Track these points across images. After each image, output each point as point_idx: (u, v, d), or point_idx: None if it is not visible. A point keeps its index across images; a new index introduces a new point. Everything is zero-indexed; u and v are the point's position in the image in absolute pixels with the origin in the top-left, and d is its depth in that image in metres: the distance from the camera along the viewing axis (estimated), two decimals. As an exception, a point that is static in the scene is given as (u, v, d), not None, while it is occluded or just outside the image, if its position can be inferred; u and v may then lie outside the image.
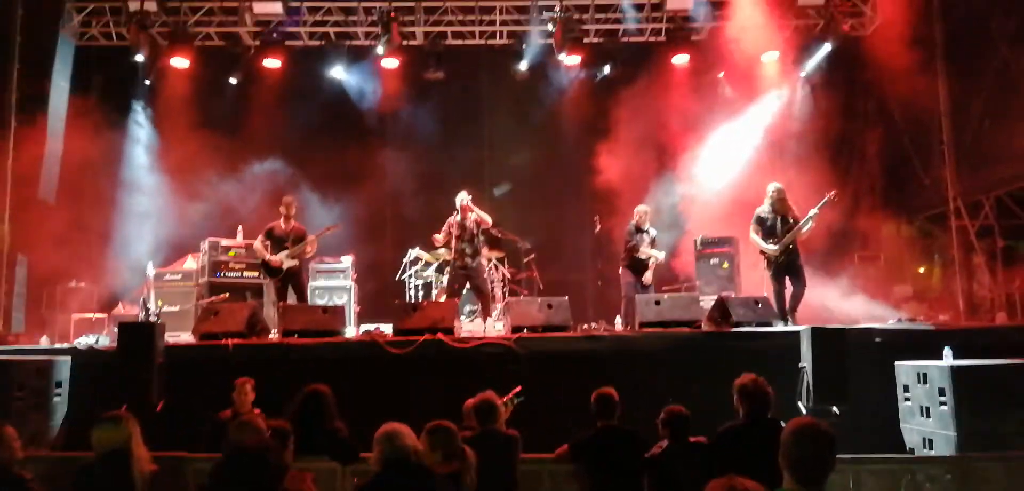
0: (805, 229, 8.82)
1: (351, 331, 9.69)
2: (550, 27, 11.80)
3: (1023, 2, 9.98)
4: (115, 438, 3.98)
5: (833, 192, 9.13)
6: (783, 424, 3.69)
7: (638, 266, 9.89)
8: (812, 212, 8.85)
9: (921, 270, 12.77)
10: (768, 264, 9.02)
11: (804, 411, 6.59)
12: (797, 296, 8.90)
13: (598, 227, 10.79)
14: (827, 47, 12.10)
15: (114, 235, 12.01)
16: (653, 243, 9.94)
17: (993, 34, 10.58)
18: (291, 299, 9.55)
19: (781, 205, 8.99)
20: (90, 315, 10.64)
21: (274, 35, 12.24)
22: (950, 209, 11.60)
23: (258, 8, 12.39)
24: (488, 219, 9.73)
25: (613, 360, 7.50)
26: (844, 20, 11.68)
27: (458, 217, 9.63)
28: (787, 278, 8.95)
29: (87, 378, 7.15)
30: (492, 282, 11.43)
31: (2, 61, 11.23)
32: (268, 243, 9.42)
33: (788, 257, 8.92)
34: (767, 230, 9.02)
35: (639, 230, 9.92)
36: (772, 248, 8.92)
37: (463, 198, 9.61)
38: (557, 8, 11.70)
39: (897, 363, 6.76)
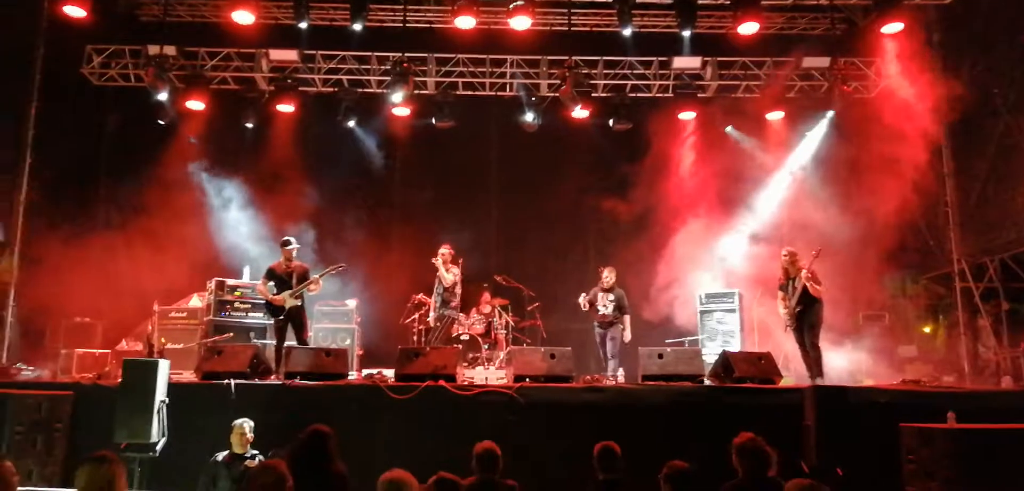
0: (800, 288, 8.92)
1: (353, 375, 9.69)
2: (559, 81, 11.96)
3: (1022, 73, 10.12)
4: (97, 479, 3.91)
5: (818, 250, 9.23)
6: (783, 483, 3.70)
7: (602, 322, 10.49)
8: (802, 273, 9.01)
9: (926, 330, 12.73)
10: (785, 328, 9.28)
11: (806, 470, 6.53)
12: (807, 361, 8.97)
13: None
14: (831, 112, 12.29)
15: (120, 270, 12.09)
16: (618, 304, 10.46)
17: (995, 101, 10.71)
18: (290, 338, 9.56)
19: (791, 268, 9.18)
20: (94, 350, 10.66)
21: (289, 81, 12.43)
22: (954, 271, 11.61)
23: (274, 55, 12.67)
24: (447, 278, 10.47)
25: (615, 412, 7.47)
26: (848, 83, 11.82)
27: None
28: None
29: (89, 414, 7.14)
30: (495, 329, 11.46)
31: (22, 99, 11.46)
32: (271, 283, 9.45)
33: (798, 320, 9.03)
34: (784, 292, 9.26)
35: (603, 290, 10.52)
36: (781, 311, 9.23)
37: (441, 252, 10.40)
38: (566, 63, 11.87)
39: (901, 425, 6.71)
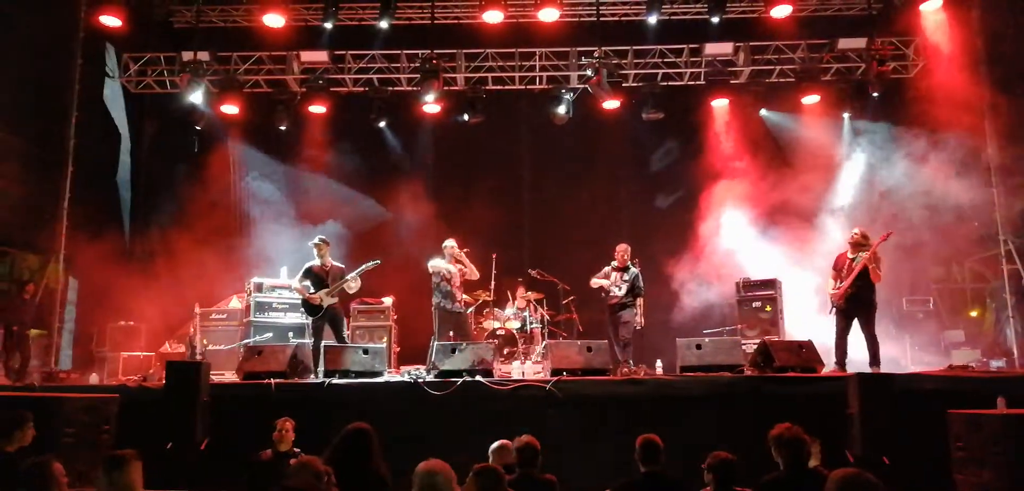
0: (858, 269, 8.68)
1: (390, 372, 9.75)
2: (589, 72, 11.89)
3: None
4: (118, 479, 3.95)
5: (889, 232, 9.09)
6: (827, 473, 3.62)
7: (614, 305, 10.03)
8: (861, 254, 8.74)
9: (973, 314, 12.40)
10: (831, 309, 9.01)
11: (851, 460, 6.41)
12: (870, 347, 8.67)
13: (637, 269, 10.73)
14: (874, 94, 11.99)
15: (161, 274, 12.33)
16: (633, 286, 10.00)
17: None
18: (329, 338, 9.65)
19: (855, 249, 8.89)
20: (138, 353, 10.88)
21: (320, 82, 12.52)
22: (1002, 252, 11.28)
23: (305, 56, 12.80)
24: (475, 273, 10.11)
25: (654, 404, 7.41)
26: (887, 63, 11.54)
27: (447, 262, 10.01)
28: (856, 321, 8.78)
29: (135, 416, 7.28)
30: (531, 323, 11.44)
31: (61, 108, 11.72)
32: (307, 283, 9.56)
33: (849, 304, 8.77)
34: (838, 272, 8.99)
35: (618, 269, 10.06)
36: (832, 290, 8.96)
37: (449, 245, 10.05)
38: (596, 53, 11.79)
39: (949, 411, 6.55)
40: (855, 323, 8.79)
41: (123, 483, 3.90)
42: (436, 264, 10.06)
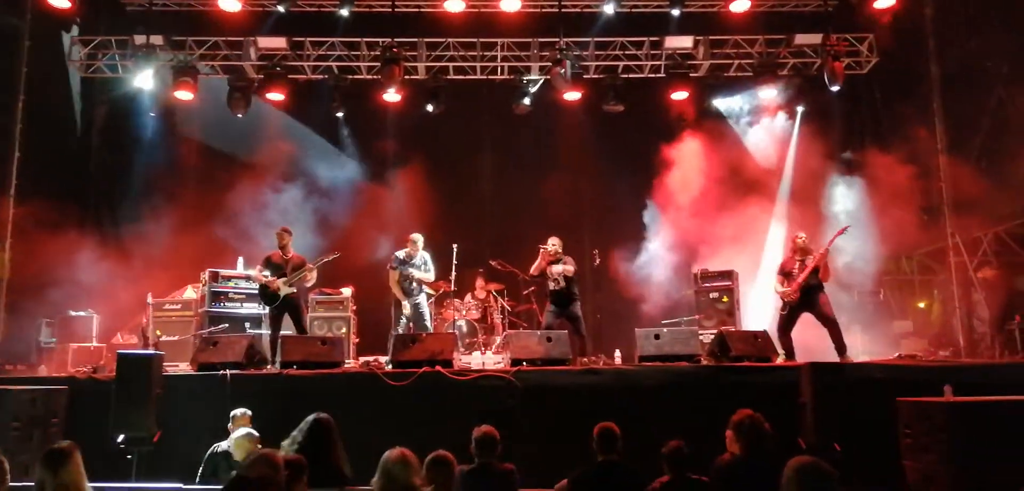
0: (811, 266, 8.89)
1: (349, 363, 9.67)
2: (551, 63, 11.91)
3: (1016, 46, 10.10)
4: (62, 471, 3.81)
5: (846, 225, 9.34)
6: (780, 460, 3.68)
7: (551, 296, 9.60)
8: (809, 255, 9.00)
9: (921, 306, 12.76)
10: (783, 307, 9.15)
11: (804, 447, 6.55)
12: (833, 333, 8.84)
13: (597, 260, 10.78)
14: (830, 89, 12.21)
15: (113, 263, 12.01)
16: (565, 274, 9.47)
17: (988, 74, 10.69)
18: (288, 328, 9.53)
19: (801, 251, 9.11)
20: (89, 344, 10.61)
21: (278, 69, 12.30)
22: (949, 245, 11.62)
23: (262, 42, 12.55)
24: (429, 276, 10.08)
25: (612, 393, 7.48)
26: (841, 58, 11.77)
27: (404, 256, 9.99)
28: (809, 315, 8.98)
29: (85, 408, 7.11)
30: (491, 314, 11.45)
31: (8, 92, 11.32)
32: (267, 272, 9.42)
33: (803, 300, 8.96)
34: (785, 275, 9.18)
35: (552, 262, 9.51)
36: (779, 289, 9.14)
37: (416, 238, 10.04)
38: (558, 45, 11.80)
39: (898, 399, 6.73)
40: (803, 316, 9.01)
41: (69, 480, 3.77)
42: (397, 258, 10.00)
